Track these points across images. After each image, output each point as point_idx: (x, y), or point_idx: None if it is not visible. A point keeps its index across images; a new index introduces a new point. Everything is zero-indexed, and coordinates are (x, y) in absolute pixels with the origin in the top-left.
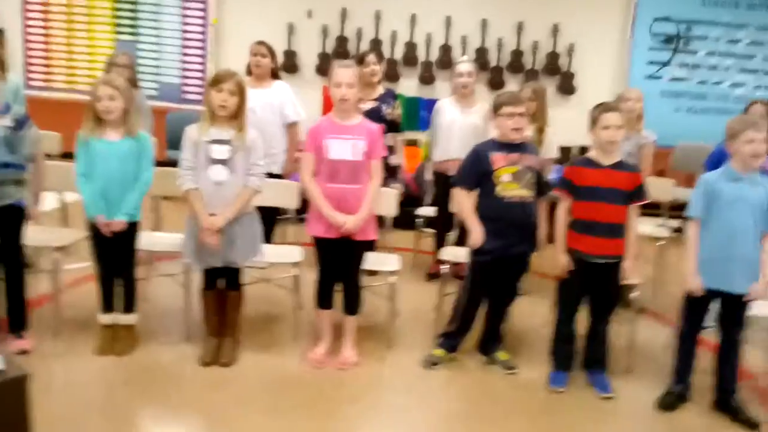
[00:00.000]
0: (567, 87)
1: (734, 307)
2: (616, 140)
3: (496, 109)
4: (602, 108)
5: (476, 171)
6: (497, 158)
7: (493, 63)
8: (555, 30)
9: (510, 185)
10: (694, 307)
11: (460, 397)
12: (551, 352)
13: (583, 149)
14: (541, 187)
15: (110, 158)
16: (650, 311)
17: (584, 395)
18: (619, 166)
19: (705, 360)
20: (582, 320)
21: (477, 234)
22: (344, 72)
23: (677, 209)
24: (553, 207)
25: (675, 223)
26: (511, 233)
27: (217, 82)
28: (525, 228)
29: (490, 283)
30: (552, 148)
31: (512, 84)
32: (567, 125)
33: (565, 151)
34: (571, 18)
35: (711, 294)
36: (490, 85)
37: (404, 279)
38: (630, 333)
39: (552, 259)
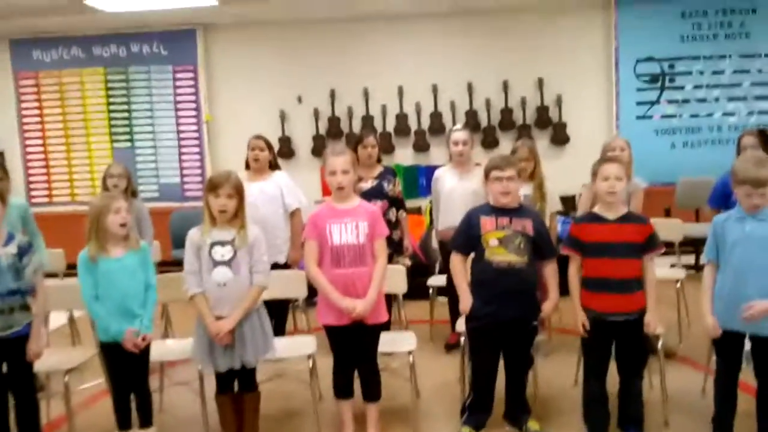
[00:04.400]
0: (560, 137)
1: (765, 349)
2: (616, 191)
3: (486, 174)
4: (601, 160)
5: (468, 235)
6: (486, 222)
7: (483, 123)
8: (540, 84)
9: (497, 250)
10: (725, 349)
11: None
12: (584, 416)
13: None
14: (542, 252)
15: (120, 275)
16: (679, 356)
17: None
18: (626, 219)
19: (749, 403)
20: (613, 377)
21: (464, 300)
22: (338, 160)
23: (687, 245)
24: (564, 263)
25: (689, 259)
26: (504, 298)
27: (213, 187)
28: (519, 293)
29: (494, 351)
30: (554, 201)
31: (505, 141)
32: (565, 175)
33: (567, 200)
34: (555, 70)
35: (740, 335)
36: (483, 146)
37: (423, 353)
38: (662, 383)
39: (573, 315)
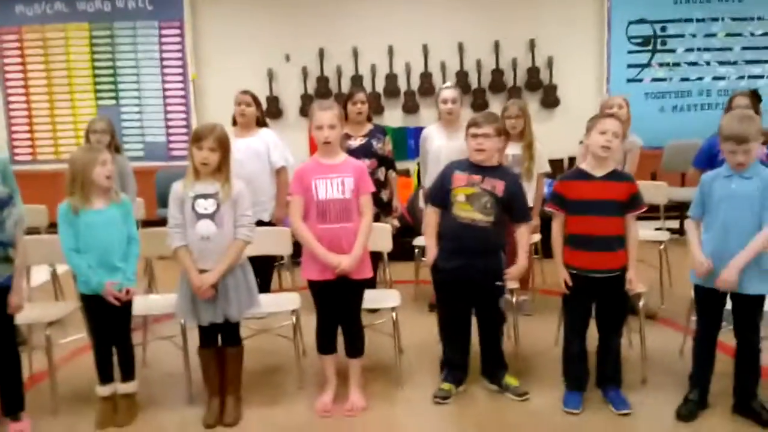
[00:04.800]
0: (550, 100)
1: (746, 308)
2: (612, 147)
3: (466, 129)
4: (601, 114)
5: (441, 188)
6: (458, 177)
7: (474, 85)
8: (532, 45)
9: (463, 206)
10: (705, 309)
11: (475, 430)
12: (563, 373)
13: (572, 160)
14: (515, 215)
15: (102, 227)
16: (660, 317)
17: (601, 414)
18: (612, 176)
19: (726, 364)
20: (592, 336)
21: (430, 253)
22: (324, 114)
23: (673, 210)
24: (549, 223)
25: (673, 224)
26: (466, 255)
27: (197, 139)
28: (482, 252)
29: (461, 305)
30: (542, 162)
31: (495, 103)
32: (554, 138)
33: (555, 163)
34: (547, 31)
35: (720, 294)
36: (473, 108)
37: (407, 312)
38: (642, 343)
39: (555, 275)
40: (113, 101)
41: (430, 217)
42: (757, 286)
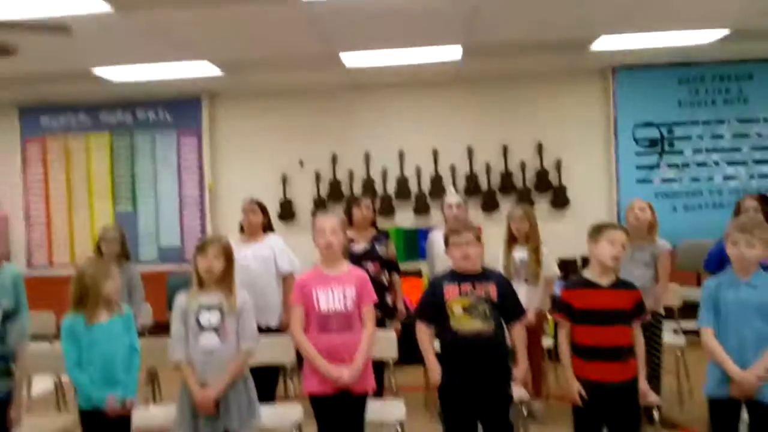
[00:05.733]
0: (560, 201)
1: (762, 418)
2: (620, 258)
3: (445, 241)
4: (607, 224)
5: (431, 303)
6: (449, 289)
7: (484, 187)
8: (539, 148)
9: (462, 318)
10: (722, 421)
11: None
12: None
13: (585, 260)
14: (509, 314)
15: (106, 341)
16: (681, 427)
17: None
18: (618, 285)
19: None
20: None
21: (434, 372)
22: (327, 220)
23: (688, 310)
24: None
25: (688, 324)
26: (475, 368)
27: (202, 249)
28: (490, 361)
29: (470, 422)
30: (551, 266)
31: (505, 205)
32: (565, 239)
33: (568, 263)
34: (554, 135)
35: (737, 404)
36: (483, 209)
37: (416, 421)
38: None
39: (565, 383)
40: (131, 208)
41: (424, 334)
42: None
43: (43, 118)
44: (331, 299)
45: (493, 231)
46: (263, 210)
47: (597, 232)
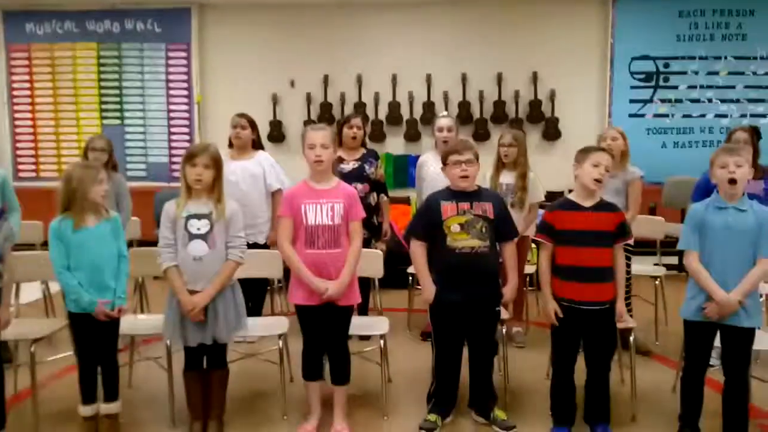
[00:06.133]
0: (552, 133)
1: (736, 342)
2: (603, 180)
3: (444, 160)
4: (593, 147)
5: (427, 221)
6: (446, 207)
7: (476, 115)
8: (534, 78)
9: (459, 235)
10: (695, 344)
11: None
12: (551, 408)
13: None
14: (502, 233)
15: (94, 245)
16: (655, 354)
17: None
18: (600, 207)
19: (715, 402)
20: (582, 371)
21: (427, 290)
22: (317, 134)
23: (670, 246)
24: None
25: (670, 260)
26: (468, 285)
27: (191, 156)
28: (483, 279)
29: (458, 338)
30: (536, 192)
31: (497, 134)
32: (555, 170)
33: (556, 195)
34: (550, 65)
35: (712, 328)
36: (474, 138)
37: (399, 340)
38: (632, 379)
39: (544, 307)
40: (118, 121)
41: (419, 251)
42: (748, 319)
43: (28, 25)
44: (320, 213)
45: (484, 160)
46: (253, 125)
47: (583, 154)
